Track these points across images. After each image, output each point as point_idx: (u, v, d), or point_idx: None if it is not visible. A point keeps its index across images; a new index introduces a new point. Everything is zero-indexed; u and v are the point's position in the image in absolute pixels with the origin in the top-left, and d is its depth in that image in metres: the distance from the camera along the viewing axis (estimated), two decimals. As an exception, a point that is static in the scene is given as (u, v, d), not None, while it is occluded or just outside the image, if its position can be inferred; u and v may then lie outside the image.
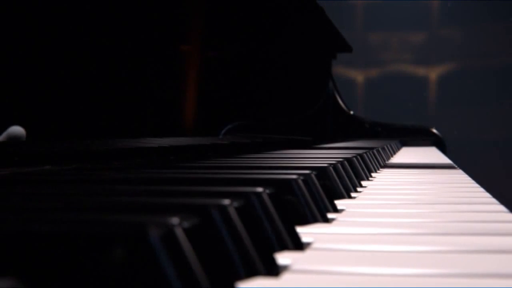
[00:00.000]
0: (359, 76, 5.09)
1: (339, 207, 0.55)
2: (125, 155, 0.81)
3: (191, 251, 0.24)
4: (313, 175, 0.52)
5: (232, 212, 0.31)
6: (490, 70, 4.84)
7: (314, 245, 0.38)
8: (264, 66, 1.53)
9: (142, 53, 0.90)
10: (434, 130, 1.76)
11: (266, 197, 0.37)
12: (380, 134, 1.75)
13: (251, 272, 0.30)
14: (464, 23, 4.91)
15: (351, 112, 1.74)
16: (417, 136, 1.75)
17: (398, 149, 1.60)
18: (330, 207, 0.53)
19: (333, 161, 0.70)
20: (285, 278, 0.31)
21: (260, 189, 0.38)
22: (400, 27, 4.96)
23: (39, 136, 0.67)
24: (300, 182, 0.48)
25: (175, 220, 0.25)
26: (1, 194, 0.43)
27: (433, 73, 5.16)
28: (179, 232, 0.24)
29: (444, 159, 1.16)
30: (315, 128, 1.80)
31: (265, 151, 1.17)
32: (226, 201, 0.32)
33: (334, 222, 0.48)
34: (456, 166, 0.99)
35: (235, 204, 0.32)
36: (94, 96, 0.77)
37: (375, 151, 1.02)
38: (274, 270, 0.32)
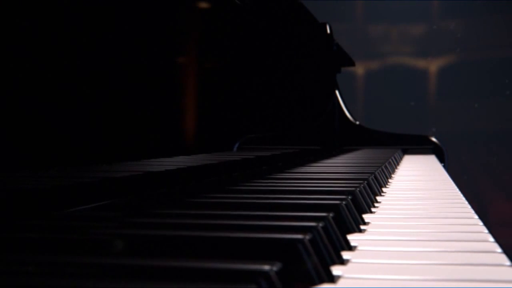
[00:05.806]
0: (359, 69, 5.43)
1: (366, 220, 0.87)
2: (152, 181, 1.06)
3: (315, 254, 0.56)
4: (349, 199, 0.84)
5: (321, 230, 0.63)
6: (491, 62, 5.20)
7: (360, 248, 0.70)
8: (269, 79, 1.79)
9: (137, 67, 0.92)
10: (433, 139, 2.08)
11: (331, 219, 0.69)
12: (384, 143, 2.07)
13: (333, 262, 0.62)
14: (464, 15, 5.25)
15: (357, 122, 2.06)
16: (418, 145, 2.07)
17: (401, 158, 1.93)
18: (361, 221, 0.85)
19: (356, 183, 1.02)
20: (349, 266, 0.63)
21: (326, 214, 0.70)
22: (400, 20, 5.29)
23: (26, 162, 0.70)
24: (343, 205, 0.80)
25: (302, 235, 0.57)
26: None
27: (433, 66, 5.48)
28: (307, 242, 0.56)
29: (442, 173, 1.49)
30: (322, 137, 2.12)
31: (285, 165, 1.48)
32: (314, 224, 0.63)
33: (366, 232, 0.80)
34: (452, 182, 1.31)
35: (321, 224, 0.64)
36: (87, 113, 0.78)
37: (383, 168, 1.34)
38: (342, 261, 0.64)
